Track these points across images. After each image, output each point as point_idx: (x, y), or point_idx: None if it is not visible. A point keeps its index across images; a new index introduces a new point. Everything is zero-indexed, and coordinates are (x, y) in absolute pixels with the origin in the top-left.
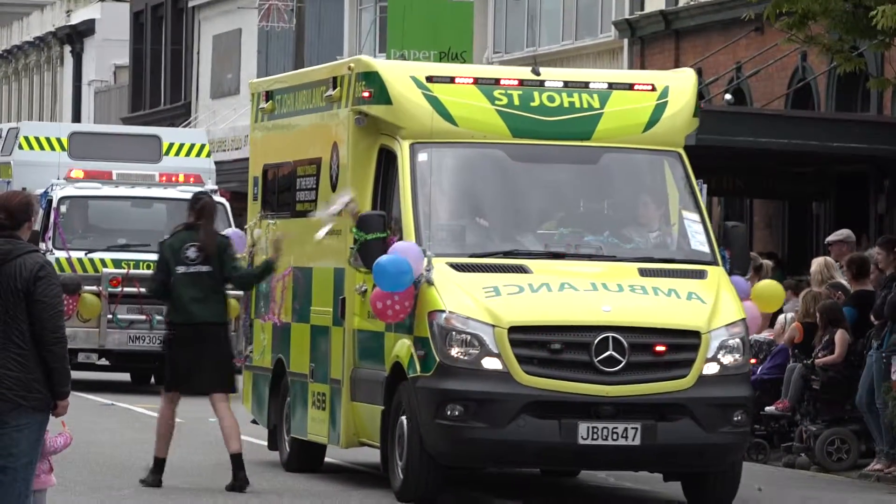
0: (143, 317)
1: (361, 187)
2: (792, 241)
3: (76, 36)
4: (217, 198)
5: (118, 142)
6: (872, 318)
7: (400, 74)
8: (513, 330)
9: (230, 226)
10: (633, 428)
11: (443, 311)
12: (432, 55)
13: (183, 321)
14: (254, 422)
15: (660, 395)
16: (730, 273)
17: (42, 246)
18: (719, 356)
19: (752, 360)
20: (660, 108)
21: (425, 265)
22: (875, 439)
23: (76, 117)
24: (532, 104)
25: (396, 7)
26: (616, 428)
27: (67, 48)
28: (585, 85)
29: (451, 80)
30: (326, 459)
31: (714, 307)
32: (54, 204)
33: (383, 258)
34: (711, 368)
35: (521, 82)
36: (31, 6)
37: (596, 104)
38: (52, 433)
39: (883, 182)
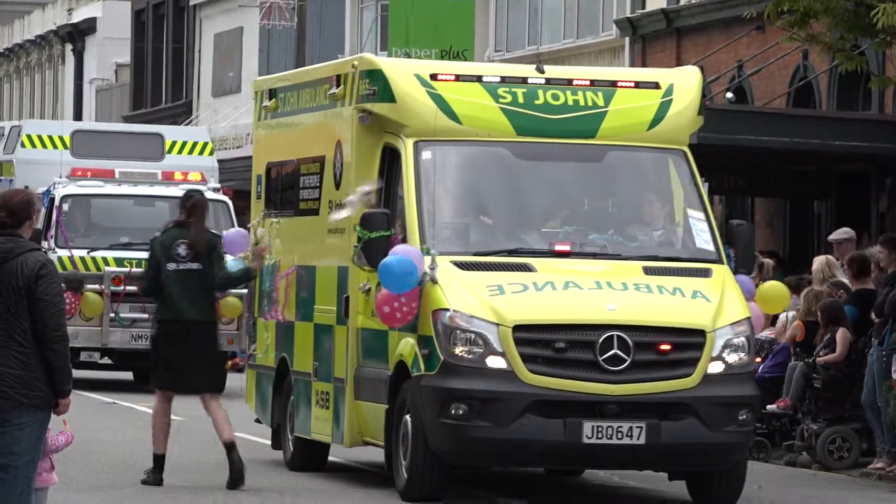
0: (146, 315)
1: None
2: (793, 239)
3: (77, 34)
4: (220, 196)
5: (121, 140)
6: (873, 316)
7: (404, 72)
8: (517, 328)
9: (233, 224)
10: (637, 427)
11: (447, 310)
12: (433, 53)
13: (173, 318)
14: (257, 421)
15: (665, 394)
16: (735, 272)
17: (44, 244)
18: (724, 355)
19: (757, 359)
20: (664, 106)
21: (429, 263)
22: (877, 438)
23: (77, 115)
24: (536, 102)
25: (398, 5)
26: (621, 427)
27: (69, 46)
28: (590, 83)
29: (456, 77)
30: (330, 458)
31: (719, 306)
32: (57, 202)
33: (389, 258)
34: (716, 367)
35: (526, 80)
36: (33, 4)
37: (600, 102)
38: (53, 431)
39: (884, 180)
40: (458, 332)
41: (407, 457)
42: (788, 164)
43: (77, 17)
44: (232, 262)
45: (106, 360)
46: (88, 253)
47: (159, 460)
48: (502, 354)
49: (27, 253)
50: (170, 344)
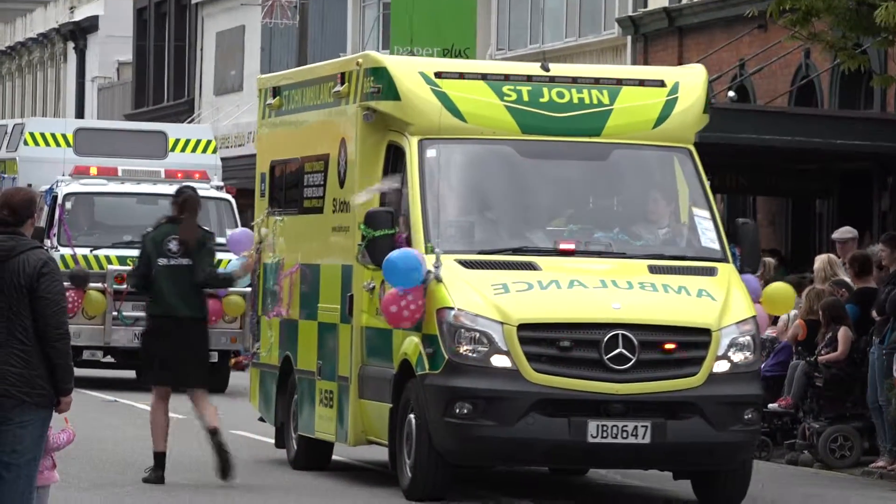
0: None
1: (369, 184)
2: (795, 238)
3: (79, 32)
4: (223, 194)
5: (124, 138)
6: (874, 314)
7: (408, 70)
8: (522, 327)
9: (236, 222)
10: (642, 426)
11: (451, 309)
12: (435, 52)
13: (163, 313)
14: (261, 419)
15: (670, 393)
16: (740, 271)
17: (47, 242)
18: (730, 354)
19: None
20: (670, 104)
21: (434, 262)
22: (879, 436)
23: (79, 114)
24: (541, 100)
25: (400, 4)
26: (626, 426)
27: (71, 45)
28: (595, 81)
29: (460, 75)
30: (334, 457)
31: (724, 304)
32: (59, 200)
33: (394, 254)
34: (722, 366)
35: (530, 78)
36: (35, 3)
37: (606, 100)
38: (55, 430)
39: (886, 179)
40: (462, 330)
41: (411, 456)
42: (790, 162)
43: (79, 15)
44: (235, 261)
45: (109, 359)
46: (91, 251)
47: (160, 458)
48: (507, 353)
49: (29, 251)
50: (160, 339)
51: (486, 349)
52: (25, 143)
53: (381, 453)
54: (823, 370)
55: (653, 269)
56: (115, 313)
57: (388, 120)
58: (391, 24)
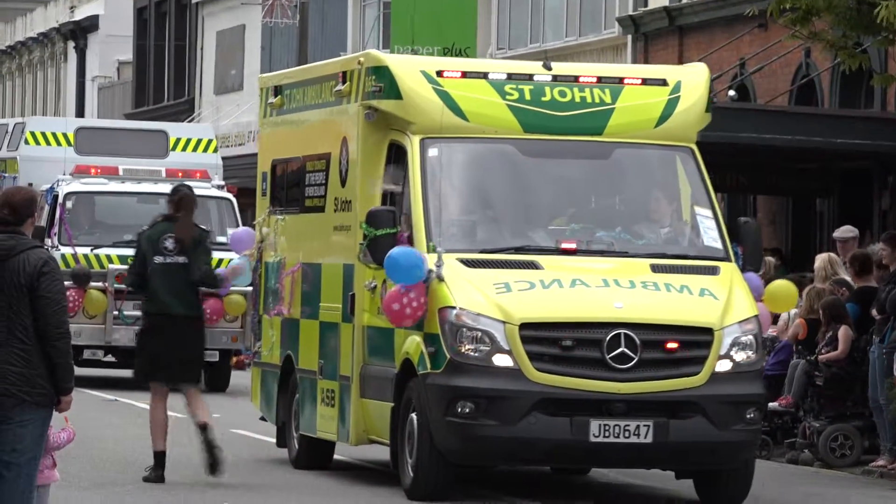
0: None
1: (371, 183)
2: (795, 237)
3: (80, 32)
4: (224, 193)
5: (125, 137)
6: (875, 313)
7: (410, 69)
8: (524, 326)
9: (237, 221)
10: (645, 425)
11: (453, 308)
12: (436, 51)
13: (158, 311)
14: (262, 419)
15: (672, 393)
16: (742, 269)
17: (48, 242)
18: (732, 353)
19: None
20: (672, 103)
21: (436, 261)
22: (880, 435)
23: (80, 113)
24: (543, 99)
25: (400, 3)
26: (628, 425)
27: (71, 44)
28: (597, 79)
29: (462, 74)
30: (335, 457)
31: (727, 304)
32: (60, 199)
33: (395, 251)
34: (724, 366)
35: (532, 77)
36: (35, 2)
37: (608, 99)
38: (55, 429)
39: (887, 178)
40: (464, 329)
41: (413, 455)
42: (791, 161)
43: (79, 14)
44: (237, 260)
45: (110, 358)
46: (92, 250)
47: (160, 457)
48: (509, 352)
49: (29, 250)
50: (154, 337)
51: (487, 348)
52: (26, 142)
53: (382, 453)
54: (824, 369)
55: (655, 269)
56: (115, 312)
57: (390, 119)
58: (392, 24)
